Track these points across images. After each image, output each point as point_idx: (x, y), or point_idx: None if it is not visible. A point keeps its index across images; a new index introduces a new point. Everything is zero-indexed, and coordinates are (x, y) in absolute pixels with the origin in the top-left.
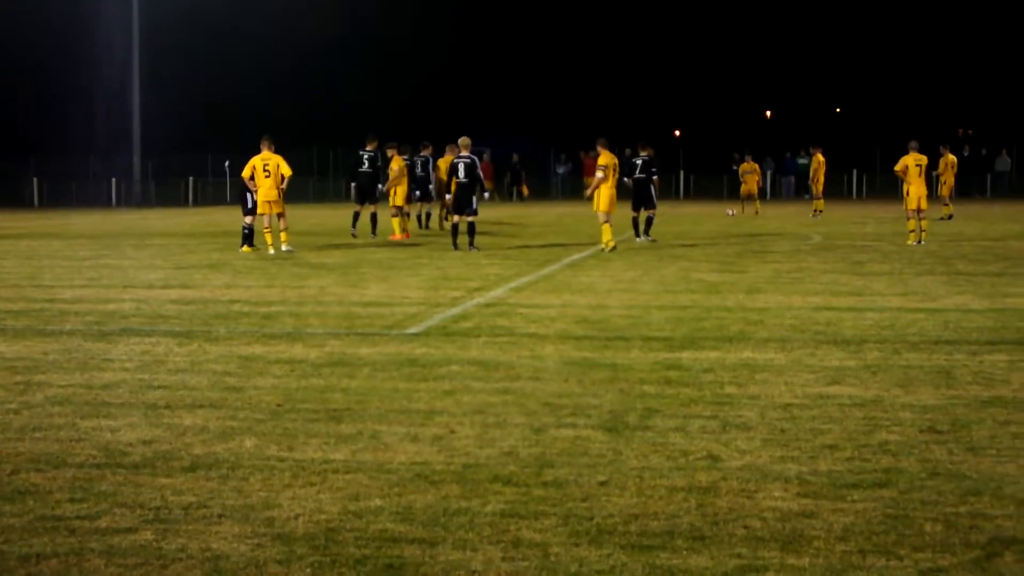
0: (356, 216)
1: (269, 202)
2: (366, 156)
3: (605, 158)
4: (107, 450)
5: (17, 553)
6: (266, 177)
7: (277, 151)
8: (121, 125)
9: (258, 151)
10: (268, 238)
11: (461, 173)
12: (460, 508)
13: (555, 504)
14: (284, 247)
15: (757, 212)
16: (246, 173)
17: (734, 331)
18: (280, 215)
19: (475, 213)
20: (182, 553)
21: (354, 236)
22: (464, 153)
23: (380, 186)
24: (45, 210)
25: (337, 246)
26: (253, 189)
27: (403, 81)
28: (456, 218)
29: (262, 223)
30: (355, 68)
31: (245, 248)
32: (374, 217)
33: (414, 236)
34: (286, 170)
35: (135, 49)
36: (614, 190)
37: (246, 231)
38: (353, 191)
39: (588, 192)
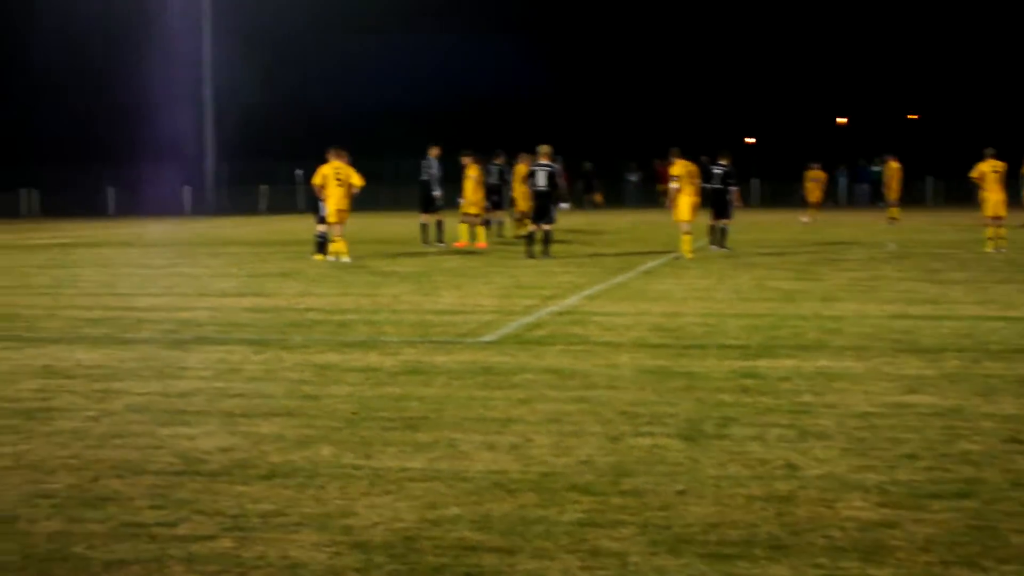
0: (423, 227)
1: (340, 211)
2: (424, 164)
3: (679, 168)
4: (185, 458)
5: (100, 559)
6: (338, 186)
7: (347, 160)
8: (194, 133)
9: (325, 161)
10: (341, 247)
11: (540, 181)
12: (538, 517)
13: (633, 513)
14: (344, 258)
15: (811, 220)
16: (316, 180)
17: (810, 339)
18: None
19: (552, 222)
20: (261, 561)
21: (426, 245)
22: (544, 161)
23: (437, 193)
24: (119, 218)
25: (410, 254)
26: (323, 198)
27: (472, 88)
28: (533, 226)
29: (334, 232)
30: (425, 75)
31: (318, 256)
32: (438, 225)
33: (488, 244)
34: (357, 180)
35: (206, 56)
36: (694, 198)
37: (320, 239)
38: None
39: (668, 203)
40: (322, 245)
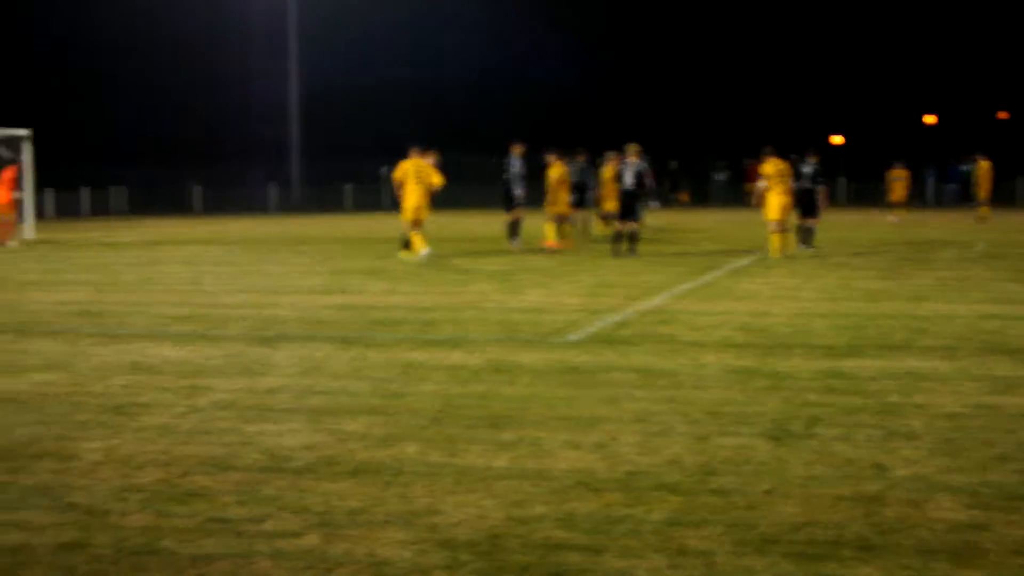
0: (508, 226)
1: (418, 208)
2: (507, 163)
3: (770, 166)
4: (271, 454)
5: (188, 553)
6: (417, 184)
7: (436, 161)
8: (280, 131)
9: (406, 157)
10: (421, 239)
11: (628, 180)
12: (624, 516)
13: (720, 512)
14: (425, 251)
15: (899, 220)
16: (397, 175)
17: (898, 339)
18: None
19: (639, 220)
20: (346, 558)
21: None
22: (632, 160)
23: (517, 192)
24: (206, 216)
25: (495, 253)
26: (400, 194)
27: (557, 86)
28: (619, 225)
29: (411, 229)
30: (509, 72)
31: (403, 253)
32: (514, 224)
33: (572, 243)
34: (436, 180)
35: (292, 55)
36: (785, 197)
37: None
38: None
39: (754, 201)
40: (408, 242)
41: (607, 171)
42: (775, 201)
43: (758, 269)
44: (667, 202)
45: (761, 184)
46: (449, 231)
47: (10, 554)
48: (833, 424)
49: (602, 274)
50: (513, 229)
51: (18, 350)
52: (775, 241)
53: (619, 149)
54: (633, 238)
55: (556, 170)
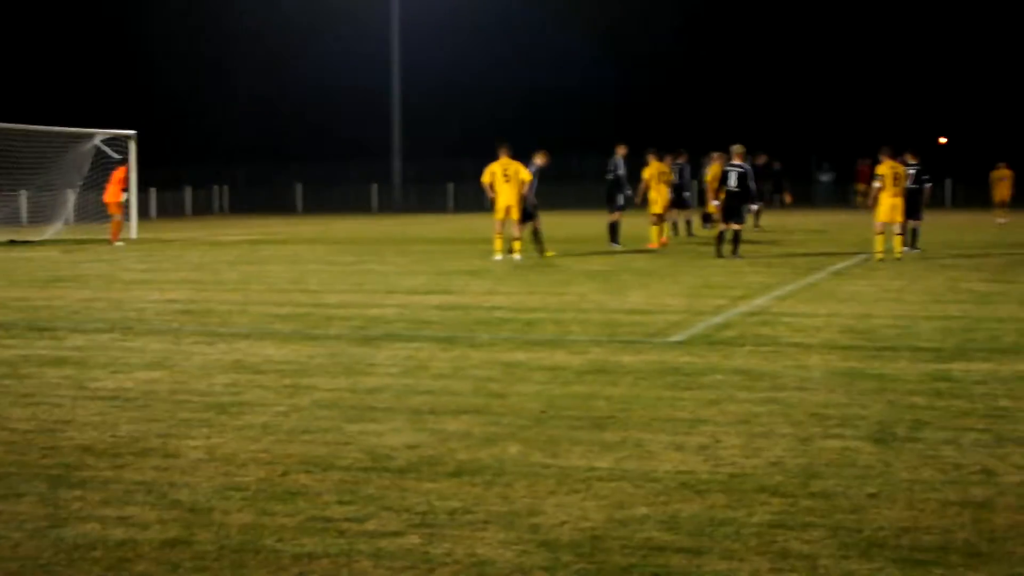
0: (610, 227)
1: (508, 207)
2: (611, 163)
3: (884, 167)
4: (373, 454)
5: (290, 552)
6: (506, 182)
7: (519, 157)
8: (381, 132)
9: (496, 157)
10: (501, 244)
11: (732, 182)
12: (726, 518)
13: (823, 516)
14: (516, 256)
15: (1007, 220)
16: (486, 179)
17: (1007, 342)
18: (519, 222)
19: (743, 222)
20: (448, 558)
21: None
22: (736, 161)
23: (624, 194)
24: (308, 215)
25: (597, 253)
26: (492, 195)
27: (661, 85)
28: (723, 226)
29: (500, 228)
30: (612, 72)
31: (548, 253)
32: (614, 225)
33: (673, 244)
34: (526, 175)
35: (395, 56)
36: (896, 199)
37: (535, 235)
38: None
39: (869, 202)
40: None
41: (711, 172)
42: (886, 203)
43: (862, 271)
44: (771, 203)
45: (876, 185)
46: (551, 232)
47: (116, 548)
48: (940, 428)
49: (704, 275)
50: (614, 230)
51: (123, 348)
52: (879, 243)
53: (724, 150)
54: (736, 240)
55: (651, 169)
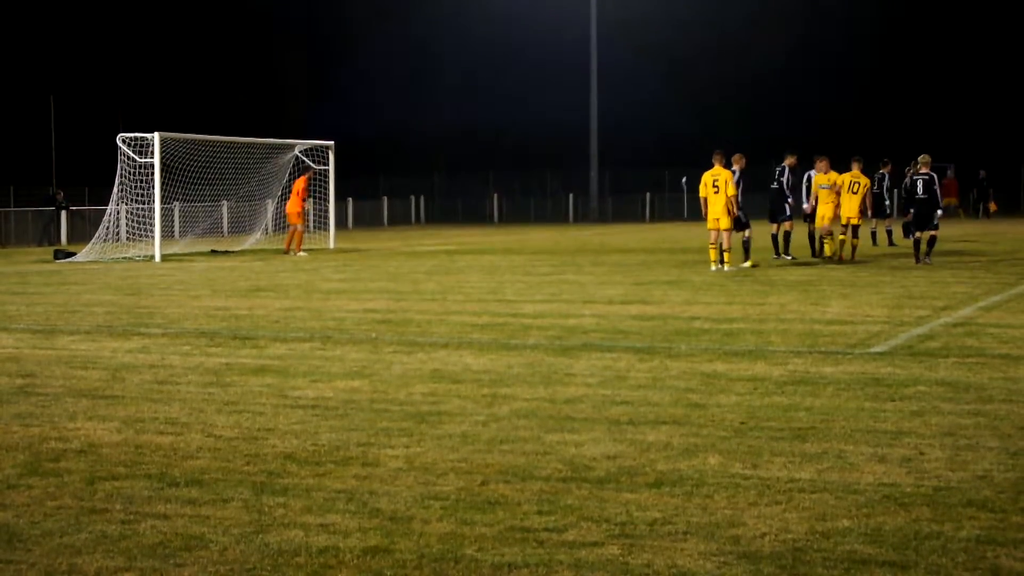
0: (773, 238)
1: (717, 218)
2: (779, 172)
3: None
4: (572, 464)
5: (490, 561)
6: (715, 193)
7: (727, 165)
8: (578, 142)
9: (710, 166)
10: (712, 255)
11: (920, 190)
12: (932, 532)
13: None
14: (725, 267)
15: None
16: (701, 191)
17: None
18: (726, 231)
19: (936, 228)
20: (648, 569)
21: (776, 257)
22: (924, 171)
23: (789, 202)
24: (504, 225)
25: (796, 263)
26: (704, 207)
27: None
28: (919, 234)
29: (714, 239)
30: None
31: (748, 262)
32: (786, 236)
33: (874, 253)
34: (731, 188)
35: (593, 66)
36: None
37: (743, 245)
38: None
39: None
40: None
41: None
42: None
43: None
44: (977, 212)
45: None
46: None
47: (319, 555)
48: None
49: (906, 285)
50: (775, 241)
51: (324, 357)
52: None
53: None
54: (931, 244)
55: (820, 179)
